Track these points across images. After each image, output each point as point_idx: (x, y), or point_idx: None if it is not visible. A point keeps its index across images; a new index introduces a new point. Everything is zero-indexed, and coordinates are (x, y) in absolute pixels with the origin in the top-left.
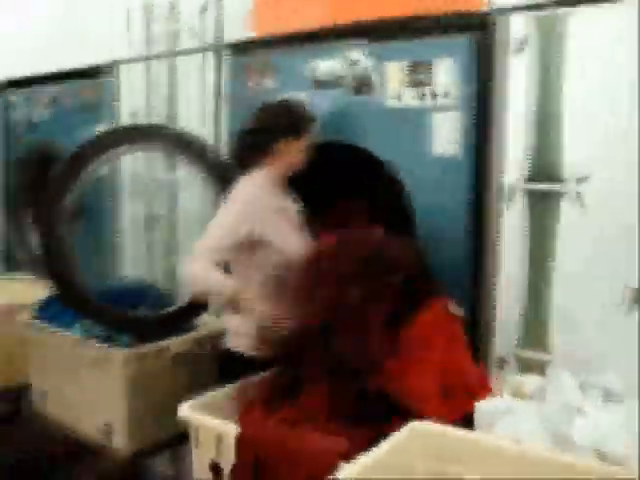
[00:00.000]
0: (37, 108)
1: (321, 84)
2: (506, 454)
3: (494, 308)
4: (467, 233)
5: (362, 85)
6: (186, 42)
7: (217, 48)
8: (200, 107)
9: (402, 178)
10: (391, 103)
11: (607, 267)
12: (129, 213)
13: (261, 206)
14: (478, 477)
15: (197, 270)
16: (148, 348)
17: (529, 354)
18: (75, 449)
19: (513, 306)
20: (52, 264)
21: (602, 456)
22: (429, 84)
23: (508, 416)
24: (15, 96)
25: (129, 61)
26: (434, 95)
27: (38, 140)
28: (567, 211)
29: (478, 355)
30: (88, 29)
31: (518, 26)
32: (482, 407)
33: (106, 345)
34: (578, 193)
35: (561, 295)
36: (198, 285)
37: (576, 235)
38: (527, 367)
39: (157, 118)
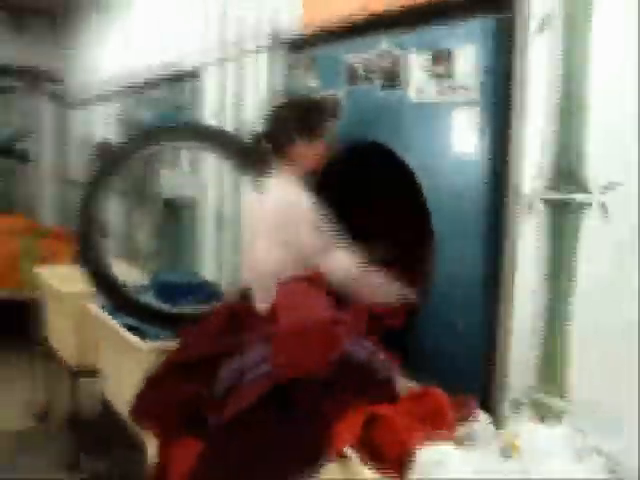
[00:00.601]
0: (145, 110)
1: (354, 79)
2: None
3: (509, 338)
4: (484, 250)
5: (389, 79)
6: (251, 44)
7: (272, 48)
8: (262, 106)
9: (422, 182)
10: (414, 98)
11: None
12: (209, 209)
13: None
14: None
15: None
16: (171, 342)
17: (545, 399)
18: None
19: (529, 338)
20: (85, 256)
21: None
22: (449, 75)
23: (440, 469)
24: (132, 100)
25: (210, 65)
26: (453, 88)
27: None
28: (590, 225)
29: (492, 394)
30: (183, 36)
31: (540, 2)
32: (421, 455)
33: (133, 336)
34: (602, 203)
35: (582, 326)
36: None
37: (600, 254)
38: (545, 412)
39: (229, 119)
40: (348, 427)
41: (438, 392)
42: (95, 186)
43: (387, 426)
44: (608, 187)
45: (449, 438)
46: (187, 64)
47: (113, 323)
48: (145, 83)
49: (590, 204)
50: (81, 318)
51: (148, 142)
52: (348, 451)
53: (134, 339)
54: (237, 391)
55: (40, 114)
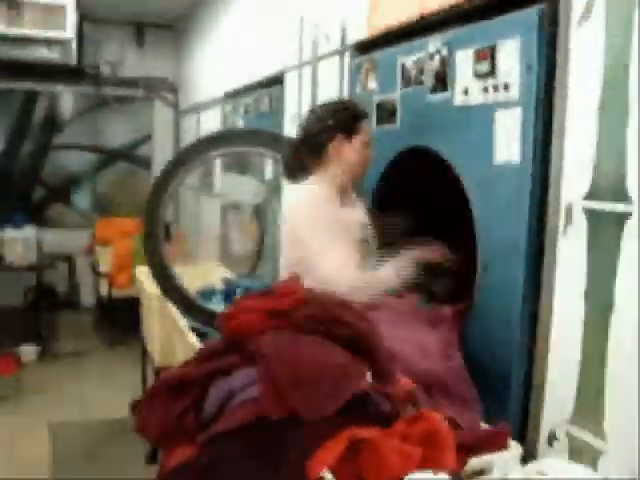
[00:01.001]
0: (237, 116)
1: (407, 82)
2: None
3: (546, 366)
4: (524, 266)
5: (438, 80)
6: (324, 48)
7: (340, 52)
8: None
9: (468, 188)
10: (459, 100)
11: None
12: (274, 215)
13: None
14: None
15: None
16: None
17: (581, 434)
18: None
19: (568, 366)
20: (151, 260)
21: None
22: (491, 74)
23: None
24: (227, 106)
25: (289, 70)
26: (496, 87)
27: None
28: (631, 240)
29: (526, 425)
30: (268, 44)
31: None
32: None
33: (193, 337)
34: None
35: (621, 357)
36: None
37: None
38: (580, 450)
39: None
40: (327, 450)
41: (434, 416)
42: (160, 188)
43: (373, 450)
44: None
45: (446, 466)
46: (273, 70)
47: (182, 324)
48: (243, 89)
49: (631, 214)
50: (163, 318)
51: (210, 147)
52: (327, 476)
53: (193, 340)
54: (224, 413)
55: (155, 121)
